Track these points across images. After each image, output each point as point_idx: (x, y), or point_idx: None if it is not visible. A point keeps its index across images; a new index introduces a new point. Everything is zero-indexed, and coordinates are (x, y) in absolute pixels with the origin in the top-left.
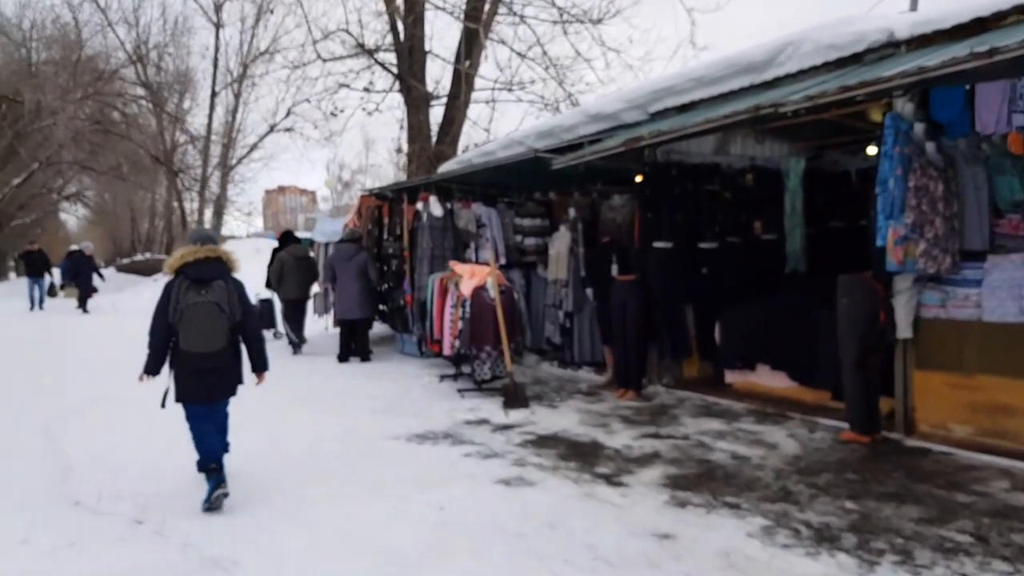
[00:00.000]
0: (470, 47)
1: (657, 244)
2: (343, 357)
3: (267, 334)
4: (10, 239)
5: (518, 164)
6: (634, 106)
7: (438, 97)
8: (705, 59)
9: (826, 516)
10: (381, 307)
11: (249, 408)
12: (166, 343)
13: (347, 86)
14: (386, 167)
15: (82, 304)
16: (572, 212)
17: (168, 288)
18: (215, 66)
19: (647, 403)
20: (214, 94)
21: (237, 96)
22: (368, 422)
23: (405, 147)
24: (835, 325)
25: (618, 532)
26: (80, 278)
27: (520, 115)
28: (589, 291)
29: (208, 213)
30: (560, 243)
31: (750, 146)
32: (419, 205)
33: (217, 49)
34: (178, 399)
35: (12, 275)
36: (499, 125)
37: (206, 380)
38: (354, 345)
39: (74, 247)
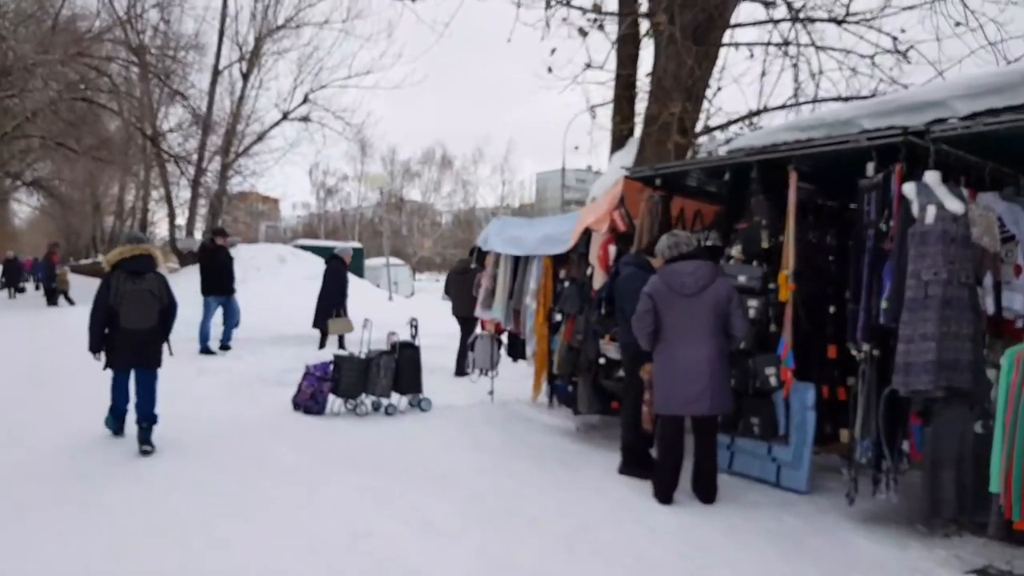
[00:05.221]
0: None
1: None
2: (666, 494)
3: (401, 400)
4: None
5: None
6: None
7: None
8: None
9: None
10: None
11: None
12: (104, 325)
13: (566, 4)
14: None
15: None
16: None
17: (107, 279)
18: (220, 38)
19: None
20: (217, 71)
21: (245, 76)
22: None
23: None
24: None
25: None
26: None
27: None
28: None
29: (203, 211)
30: None
31: None
32: (907, 189)
33: (224, 18)
34: (108, 366)
35: None
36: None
37: (136, 352)
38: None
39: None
